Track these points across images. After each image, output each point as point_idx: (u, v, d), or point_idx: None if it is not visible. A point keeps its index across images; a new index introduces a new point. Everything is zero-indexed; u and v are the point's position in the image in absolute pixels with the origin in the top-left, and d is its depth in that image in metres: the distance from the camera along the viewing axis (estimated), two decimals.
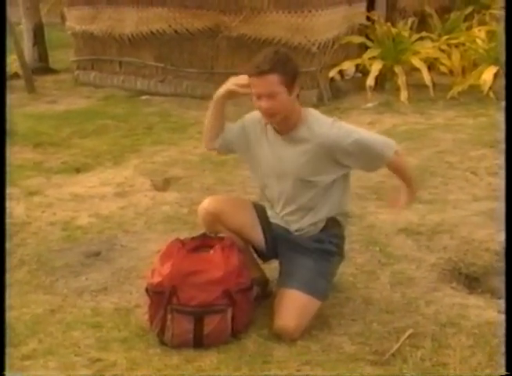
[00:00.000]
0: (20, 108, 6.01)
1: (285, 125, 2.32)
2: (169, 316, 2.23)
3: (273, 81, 2.19)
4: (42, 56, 8.01)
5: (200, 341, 2.23)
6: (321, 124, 2.30)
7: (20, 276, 2.82)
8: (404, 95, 5.80)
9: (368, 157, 2.32)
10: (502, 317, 2.35)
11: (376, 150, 2.31)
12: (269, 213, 2.47)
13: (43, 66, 7.93)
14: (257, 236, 2.45)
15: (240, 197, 2.60)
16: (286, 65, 2.22)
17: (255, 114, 2.41)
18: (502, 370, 2.06)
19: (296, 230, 2.42)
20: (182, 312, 2.22)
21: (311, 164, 2.30)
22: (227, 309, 2.24)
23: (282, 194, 2.39)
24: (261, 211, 2.47)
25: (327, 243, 2.41)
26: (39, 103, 6.44)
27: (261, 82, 2.21)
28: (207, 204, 2.45)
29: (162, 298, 2.23)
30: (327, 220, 2.41)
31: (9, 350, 2.21)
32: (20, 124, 5.35)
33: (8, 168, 3.75)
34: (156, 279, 2.26)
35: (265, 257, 2.58)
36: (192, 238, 2.41)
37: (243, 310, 2.29)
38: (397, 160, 2.36)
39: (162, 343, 2.26)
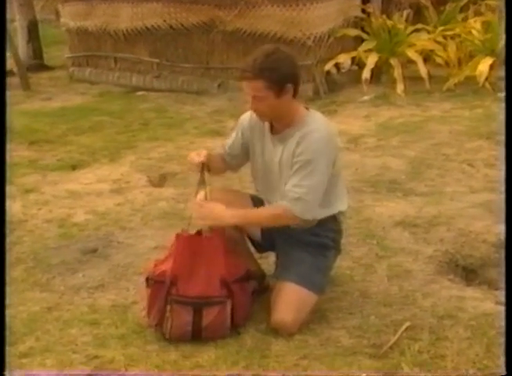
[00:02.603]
0: (15, 105, 5.99)
1: (279, 124, 2.33)
2: (168, 307, 2.22)
3: (258, 86, 2.19)
4: (37, 53, 7.98)
5: (198, 334, 2.23)
6: (311, 131, 2.25)
7: (17, 274, 2.81)
8: (400, 87, 5.79)
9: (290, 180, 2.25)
10: (500, 309, 2.36)
11: (294, 188, 2.23)
12: (266, 206, 2.46)
13: (38, 63, 7.90)
14: (254, 227, 2.44)
15: (237, 190, 2.60)
16: (274, 70, 2.17)
17: (251, 114, 2.41)
18: (500, 362, 2.07)
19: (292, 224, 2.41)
20: (181, 303, 2.22)
21: (286, 166, 2.30)
22: (226, 301, 2.24)
23: (273, 193, 2.38)
24: (258, 203, 2.47)
25: (324, 237, 2.41)
26: (34, 100, 6.41)
27: (247, 85, 2.22)
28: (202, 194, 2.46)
29: (162, 287, 2.23)
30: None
31: (6, 348, 2.20)
32: (15, 122, 5.32)
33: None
34: (159, 268, 2.26)
35: (262, 248, 2.59)
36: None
37: (241, 303, 2.29)
38: (282, 215, 2.26)
39: (160, 338, 2.25)
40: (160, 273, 2.25)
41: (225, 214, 2.27)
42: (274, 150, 2.34)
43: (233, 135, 2.50)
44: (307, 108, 2.35)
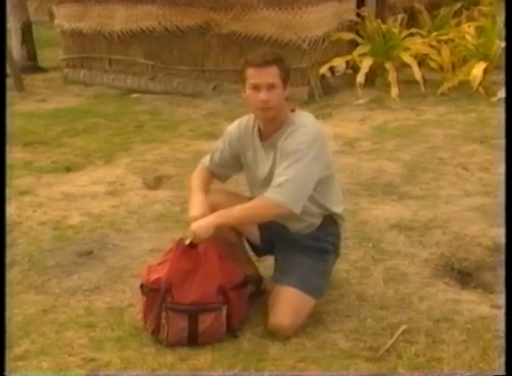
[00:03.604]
0: (9, 107, 5.91)
1: (271, 126, 2.33)
2: (163, 315, 2.22)
3: (275, 72, 2.24)
4: (31, 55, 7.95)
5: (194, 340, 2.23)
6: (298, 127, 2.27)
7: (12, 277, 2.79)
8: (394, 91, 5.81)
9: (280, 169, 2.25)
10: (495, 312, 2.37)
11: (278, 178, 2.23)
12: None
13: (32, 65, 7.87)
14: (253, 231, 2.44)
15: (236, 192, 2.60)
16: (283, 61, 2.29)
17: (239, 125, 2.41)
18: (496, 365, 2.08)
19: (292, 228, 2.41)
20: (176, 310, 2.21)
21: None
22: (222, 307, 2.24)
23: None
24: None
25: (323, 241, 2.41)
26: (28, 102, 6.39)
27: (263, 72, 2.23)
28: None
29: (157, 295, 2.22)
30: (323, 218, 2.41)
31: (5, 350, 2.19)
32: (10, 123, 5.27)
33: None
34: (154, 275, 2.25)
35: (260, 252, 2.58)
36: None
37: (237, 307, 2.28)
38: (268, 207, 2.23)
39: (157, 341, 2.25)
40: (154, 281, 2.24)
41: (210, 219, 2.25)
42: (266, 157, 2.35)
43: (220, 146, 2.47)
44: (293, 110, 2.36)
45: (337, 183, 2.48)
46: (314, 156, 2.24)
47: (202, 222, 2.25)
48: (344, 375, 2.07)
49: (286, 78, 2.28)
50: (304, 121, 2.31)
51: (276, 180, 2.24)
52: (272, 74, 2.23)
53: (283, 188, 2.21)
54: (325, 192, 2.36)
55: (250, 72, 2.24)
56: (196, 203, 2.35)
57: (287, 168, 2.22)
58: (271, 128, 2.32)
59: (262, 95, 2.23)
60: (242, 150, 2.42)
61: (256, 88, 2.23)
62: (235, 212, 2.27)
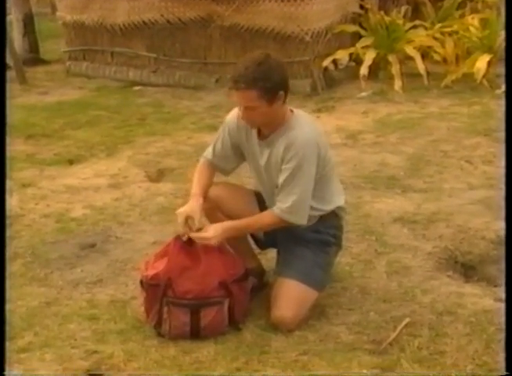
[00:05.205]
0: (12, 99, 5.92)
1: (267, 129, 2.32)
2: (165, 309, 2.23)
3: (251, 96, 2.16)
4: (33, 47, 7.93)
5: (197, 334, 2.23)
6: (298, 135, 2.24)
7: (15, 269, 2.80)
8: (398, 83, 5.78)
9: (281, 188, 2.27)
10: (499, 305, 2.37)
11: (287, 197, 2.25)
12: (260, 214, 2.45)
13: (34, 57, 7.84)
14: None
15: (241, 185, 2.60)
16: (267, 80, 2.14)
17: (237, 114, 2.38)
18: (499, 358, 2.07)
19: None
20: (177, 305, 2.22)
21: (275, 169, 2.30)
22: (223, 301, 2.24)
23: (270, 195, 2.39)
24: (261, 199, 2.47)
25: (325, 233, 2.41)
26: (30, 95, 6.37)
27: (238, 96, 2.19)
28: None
29: (157, 290, 2.22)
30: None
31: (6, 348, 2.19)
32: (12, 116, 5.27)
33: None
34: (152, 271, 2.25)
35: (263, 245, 2.59)
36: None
37: (239, 301, 2.28)
38: (274, 220, 2.29)
39: (159, 335, 2.26)
40: (153, 277, 2.24)
41: (221, 229, 2.26)
42: (260, 154, 2.34)
43: (220, 136, 2.45)
44: (291, 110, 2.33)
45: (336, 176, 2.47)
46: (314, 165, 2.25)
47: (216, 231, 2.25)
48: (347, 369, 2.07)
49: (272, 94, 2.16)
50: (303, 125, 2.28)
51: (286, 200, 2.24)
52: (247, 98, 2.16)
53: (295, 208, 2.26)
54: (323, 187, 2.35)
55: (232, 90, 2.22)
56: (189, 205, 2.33)
57: (294, 187, 2.24)
58: (268, 130, 2.31)
59: (242, 114, 2.23)
60: (241, 139, 2.40)
61: (239, 105, 2.23)
62: (248, 227, 2.35)
